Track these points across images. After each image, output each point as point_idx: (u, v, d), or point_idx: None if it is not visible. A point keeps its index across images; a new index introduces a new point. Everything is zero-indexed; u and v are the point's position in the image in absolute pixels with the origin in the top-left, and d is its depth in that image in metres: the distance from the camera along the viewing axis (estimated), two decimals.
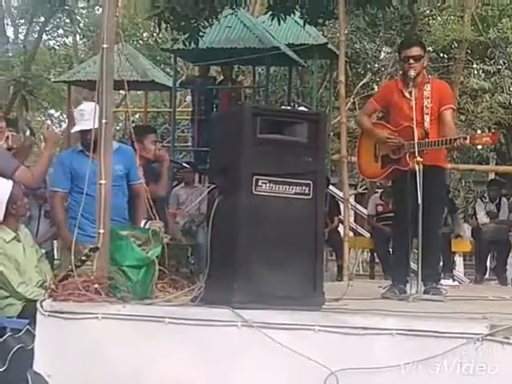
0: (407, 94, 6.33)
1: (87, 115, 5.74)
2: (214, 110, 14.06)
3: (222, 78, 14.93)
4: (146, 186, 5.48)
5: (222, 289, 4.54)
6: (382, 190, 11.77)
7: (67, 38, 31.86)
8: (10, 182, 5.91)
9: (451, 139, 6.18)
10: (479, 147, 6.47)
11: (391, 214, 9.90)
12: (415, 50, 6.39)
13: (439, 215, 6.78)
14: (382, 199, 11.57)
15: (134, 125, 11.90)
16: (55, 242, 12.23)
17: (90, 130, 5.58)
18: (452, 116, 6.54)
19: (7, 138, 6.51)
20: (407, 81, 6.34)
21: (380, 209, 11.56)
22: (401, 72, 6.67)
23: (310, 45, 14.85)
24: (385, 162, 6.48)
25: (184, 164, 11.90)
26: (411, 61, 6.32)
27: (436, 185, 6.31)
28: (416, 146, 6.10)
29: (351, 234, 10.97)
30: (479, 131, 6.39)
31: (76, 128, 6.10)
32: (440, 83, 6.84)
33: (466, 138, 6.15)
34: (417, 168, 6.05)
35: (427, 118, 6.30)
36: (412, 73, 6.26)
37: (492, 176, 16.69)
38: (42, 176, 6.44)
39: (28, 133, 6.95)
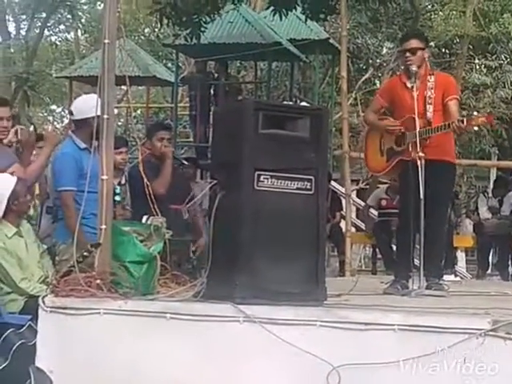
0: (409, 86, 6.30)
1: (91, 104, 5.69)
2: (211, 105, 14.05)
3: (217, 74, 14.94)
4: (147, 182, 5.43)
5: (224, 284, 4.53)
6: (388, 185, 11.71)
7: (69, 33, 31.88)
8: (14, 178, 5.90)
9: (448, 123, 6.13)
10: (475, 128, 6.33)
11: (394, 210, 9.93)
12: (411, 43, 6.37)
13: (444, 211, 6.73)
14: (387, 194, 11.52)
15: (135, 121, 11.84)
16: None
17: (87, 119, 5.67)
18: (457, 106, 6.49)
19: (16, 131, 6.52)
20: (409, 74, 6.32)
21: (384, 203, 11.50)
22: (402, 66, 6.67)
23: (312, 40, 14.84)
24: (389, 155, 6.46)
25: (183, 161, 11.85)
26: (407, 54, 6.32)
27: (442, 180, 6.28)
28: (415, 135, 6.08)
29: (353, 229, 10.99)
30: (475, 113, 6.36)
31: (83, 115, 5.99)
32: (445, 76, 6.86)
33: (462, 121, 6.10)
34: (419, 163, 6.02)
35: (430, 108, 6.26)
36: (414, 68, 6.25)
37: (494, 171, 16.67)
38: (36, 174, 6.33)
39: (32, 128, 6.91)
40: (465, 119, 6.14)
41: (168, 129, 7.69)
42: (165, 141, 7.04)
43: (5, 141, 6.37)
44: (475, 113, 6.49)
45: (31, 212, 7.07)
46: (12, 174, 5.93)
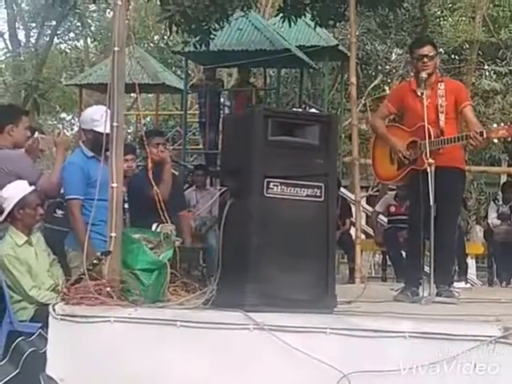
0: (420, 94, 6.26)
1: (100, 118, 5.63)
2: (221, 112, 14.11)
3: (237, 80, 15.02)
4: (157, 190, 5.44)
5: (234, 292, 4.53)
6: (396, 192, 11.68)
7: (78, 41, 32.00)
8: (30, 188, 5.92)
9: (466, 135, 6.08)
10: (495, 141, 6.25)
11: (403, 217, 9.91)
12: (428, 49, 6.33)
13: (454, 218, 6.68)
14: (396, 200, 11.50)
15: (145, 129, 11.86)
16: None
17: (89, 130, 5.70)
18: (473, 112, 6.42)
19: (37, 139, 6.62)
20: (420, 81, 6.29)
21: (393, 209, 11.47)
22: (413, 72, 6.62)
23: (321, 47, 14.85)
24: (401, 164, 6.42)
25: (189, 166, 11.87)
26: (425, 59, 6.26)
27: (452, 186, 6.26)
28: (430, 144, 6.03)
29: (363, 236, 10.96)
30: (495, 125, 6.24)
31: (91, 127, 5.96)
32: (454, 82, 6.82)
33: (481, 133, 6.01)
34: (428, 170, 6.00)
35: (442, 117, 6.21)
36: (424, 74, 6.20)
37: (504, 177, 16.64)
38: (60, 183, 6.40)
39: (37, 135, 6.88)
40: (484, 131, 6.03)
41: (161, 134, 7.71)
42: (160, 146, 7.02)
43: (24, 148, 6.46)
44: (494, 125, 6.36)
45: None
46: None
